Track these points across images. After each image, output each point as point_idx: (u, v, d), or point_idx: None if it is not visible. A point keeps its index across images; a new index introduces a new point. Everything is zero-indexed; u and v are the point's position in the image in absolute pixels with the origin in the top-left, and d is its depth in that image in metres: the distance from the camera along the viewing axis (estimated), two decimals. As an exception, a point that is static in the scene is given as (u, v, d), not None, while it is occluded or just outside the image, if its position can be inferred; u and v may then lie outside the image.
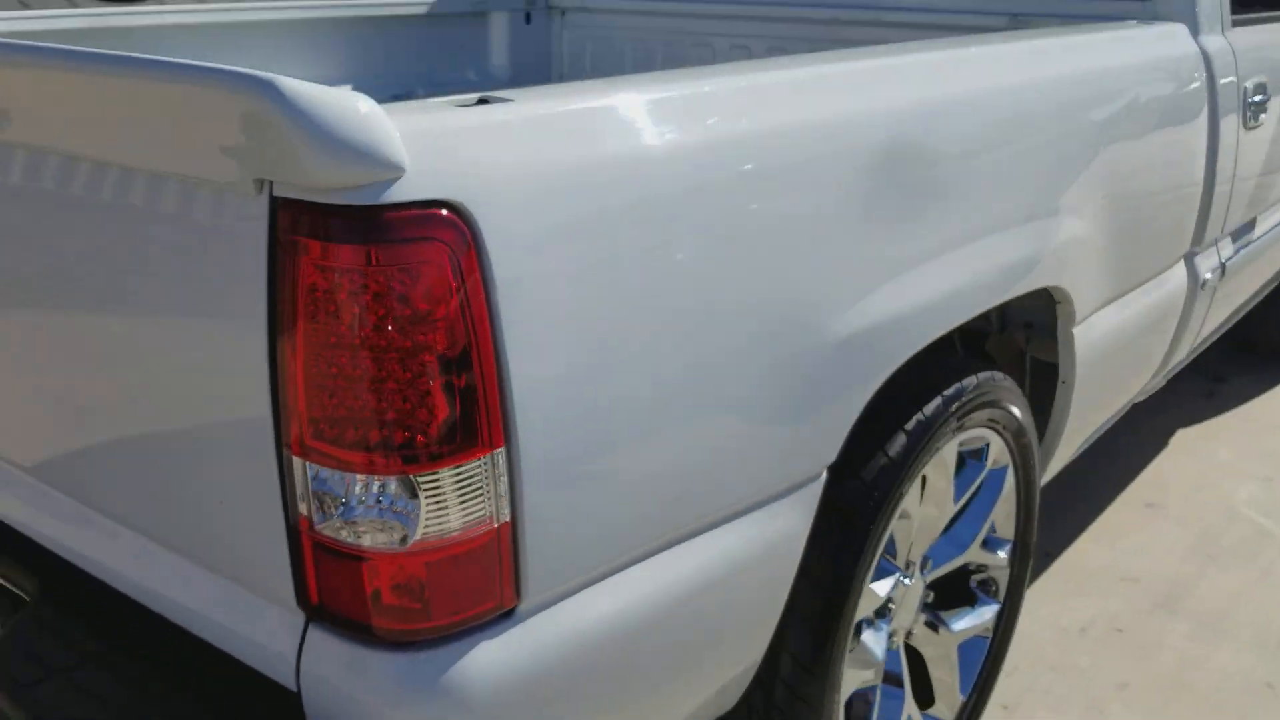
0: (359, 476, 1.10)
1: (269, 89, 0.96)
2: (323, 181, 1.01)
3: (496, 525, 1.15)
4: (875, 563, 1.80)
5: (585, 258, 1.16)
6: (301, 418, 1.09)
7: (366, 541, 1.12)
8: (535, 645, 1.23)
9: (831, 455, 1.58)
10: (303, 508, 1.13)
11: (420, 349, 1.06)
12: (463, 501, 1.12)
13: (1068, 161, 2.04)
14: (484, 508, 1.14)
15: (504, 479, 1.14)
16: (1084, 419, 2.39)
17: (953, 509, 2.03)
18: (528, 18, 3.59)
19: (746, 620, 1.54)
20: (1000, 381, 1.99)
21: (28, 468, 1.53)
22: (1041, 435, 2.34)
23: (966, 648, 2.22)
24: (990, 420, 2.01)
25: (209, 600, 1.31)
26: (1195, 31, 2.58)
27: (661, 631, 1.39)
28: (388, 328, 1.05)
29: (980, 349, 2.35)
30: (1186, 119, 2.48)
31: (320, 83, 2.85)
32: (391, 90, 3.29)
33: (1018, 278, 1.86)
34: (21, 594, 1.53)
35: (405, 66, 3.37)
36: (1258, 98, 2.83)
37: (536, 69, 3.64)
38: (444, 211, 1.05)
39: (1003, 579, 2.26)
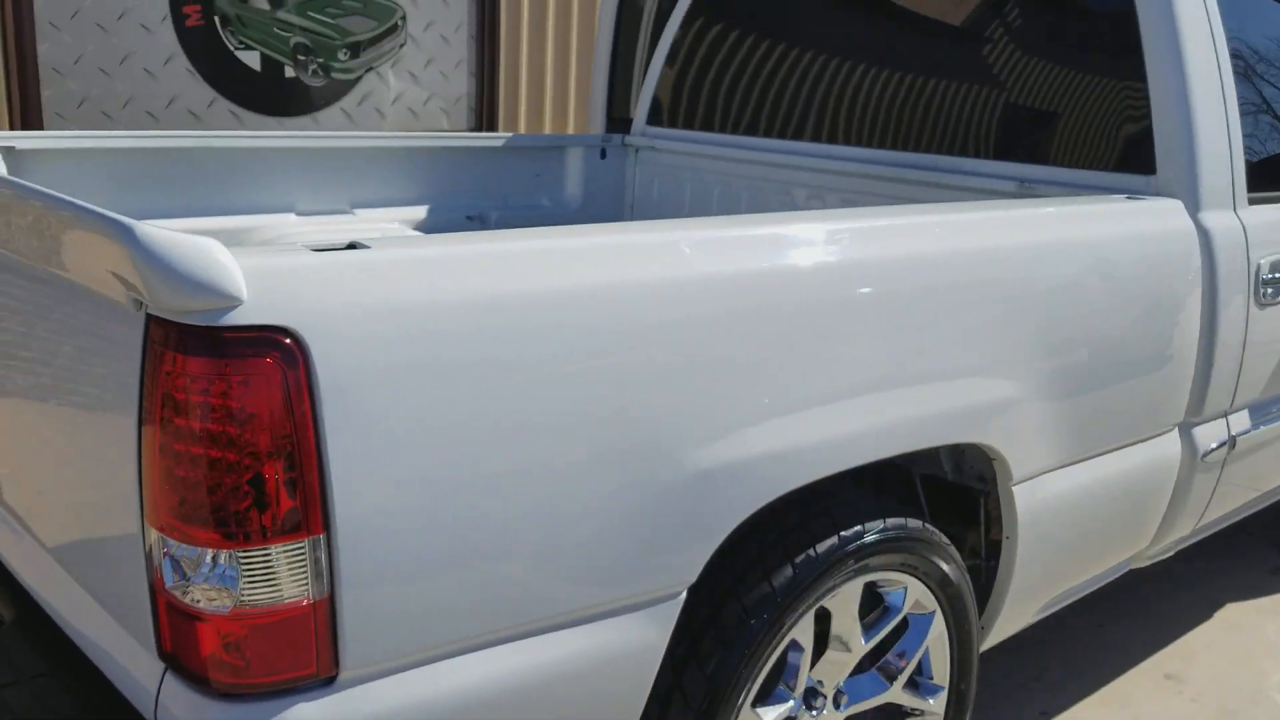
0: (197, 549, 1.33)
1: (128, 234, 1.22)
2: (177, 306, 1.26)
3: (313, 601, 1.36)
4: (755, 687, 1.91)
5: (415, 384, 1.38)
6: (155, 496, 1.33)
7: (202, 604, 1.34)
8: (351, 713, 1.42)
9: (691, 577, 1.73)
10: (157, 571, 1.37)
11: (247, 447, 1.29)
12: (280, 577, 1.34)
13: (1007, 326, 2.15)
14: (302, 585, 1.35)
15: (322, 562, 1.35)
16: (1038, 578, 2.43)
17: (862, 646, 2.11)
18: (603, 153, 3.90)
19: (591, 726, 1.68)
20: (916, 530, 2.09)
21: (10, 508, 1.84)
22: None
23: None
24: (906, 566, 2.11)
25: (113, 643, 1.56)
26: (1195, 208, 2.64)
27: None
28: (221, 428, 1.28)
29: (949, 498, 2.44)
30: (1172, 293, 2.54)
31: (398, 204, 3.21)
32: (465, 212, 3.62)
33: (922, 431, 1.98)
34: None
35: (485, 191, 3.71)
36: (1276, 275, 2.85)
37: (610, 198, 3.93)
38: (277, 335, 1.29)
39: (934, 728, 2.31)
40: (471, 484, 1.45)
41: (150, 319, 1.31)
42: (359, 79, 5.59)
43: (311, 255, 1.33)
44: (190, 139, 3.07)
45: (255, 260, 1.29)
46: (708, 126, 3.73)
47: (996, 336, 2.13)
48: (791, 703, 2.02)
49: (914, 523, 2.11)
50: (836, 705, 2.14)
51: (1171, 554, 3.03)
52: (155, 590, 1.38)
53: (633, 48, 4.42)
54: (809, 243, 1.83)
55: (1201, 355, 2.67)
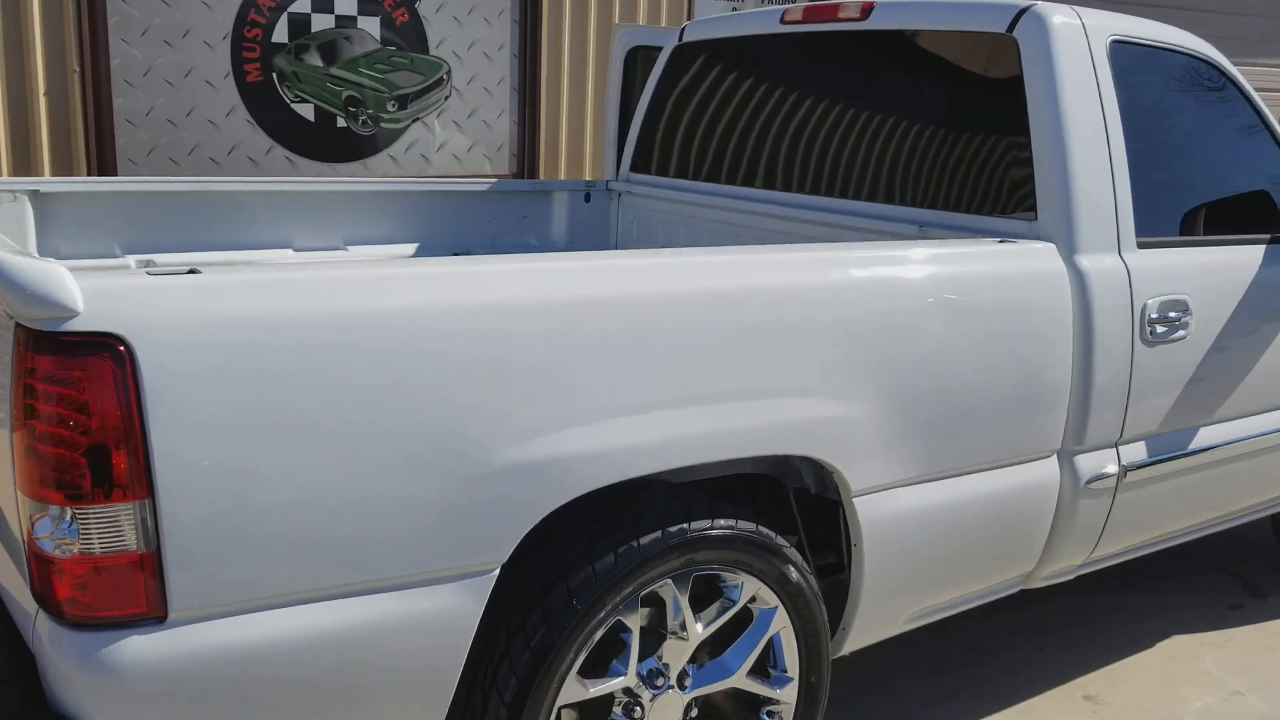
0: (51, 508, 1.70)
1: (-14, 257, 1.61)
2: (31, 315, 1.64)
3: (140, 552, 1.71)
4: (579, 660, 2.19)
5: (227, 381, 1.73)
6: (21, 466, 1.71)
7: (55, 552, 1.71)
8: (179, 647, 1.77)
9: (502, 557, 2.03)
10: (24, 527, 1.74)
11: (83, 428, 1.66)
12: (114, 532, 1.70)
13: (844, 354, 2.40)
14: (132, 538, 1.71)
15: (148, 521, 1.71)
16: (894, 585, 2.65)
17: (699, 633, 2.37)
18: (587, 197, 4.25)
19: (409, 682, 1.99)
20: (747, 531, 2.35)
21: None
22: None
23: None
24: (739, 563, 2.37)
25: (14, 586, 1.94)
26: (1071, 251, 2.85)
27: (307, 667, 1.88)
28: (63, 413, 1.65)
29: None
30: (1037, 329, 2.74)
31: (390, 241, 3.62)
32: (453, 248, 4.00)
33: (735, 442, 2.24)
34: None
35: (474, 230, 4.09)
36: (1169, 314, 3.02)
37: (593, 236, 4.27)
38: (109, 339, 1.65)
39: (789, 715, 2.55)
40: (277, 466, 1.79)
41: (16, 326, 1.70)
42: (406, 128, 6.07)
43: (144, 277, 1.70)
44: (198, 183, 3.52)
45: (94, 281, 1.67)
46: (680, 174, 4.04)
47: (830, 362, 2.38)
48: (620, 678, 2.29)
49: (746, 525, 2.37)
50: (681, 686, 2.41)
51: (1071, 577, 3.19)
52: (27, 543, 1.75)
53: (634, 102, 4.76)
54: (629, 271, 2.13)
55: (1076, 388, 2.86)
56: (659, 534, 2.24)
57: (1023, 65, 2.95)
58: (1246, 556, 4.50)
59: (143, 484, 1.69)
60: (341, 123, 5.88)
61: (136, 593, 1.73)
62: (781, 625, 2.49)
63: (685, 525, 2.27)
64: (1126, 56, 3.10)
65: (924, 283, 2.55)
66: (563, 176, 6.54)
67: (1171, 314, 3.04)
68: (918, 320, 2.53)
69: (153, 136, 5.39)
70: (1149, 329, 2.99)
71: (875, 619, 2.69)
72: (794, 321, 2.32)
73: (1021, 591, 3.82)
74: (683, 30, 4.10)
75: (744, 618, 2.47)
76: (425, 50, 6.02)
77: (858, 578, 2.58)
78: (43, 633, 1.78)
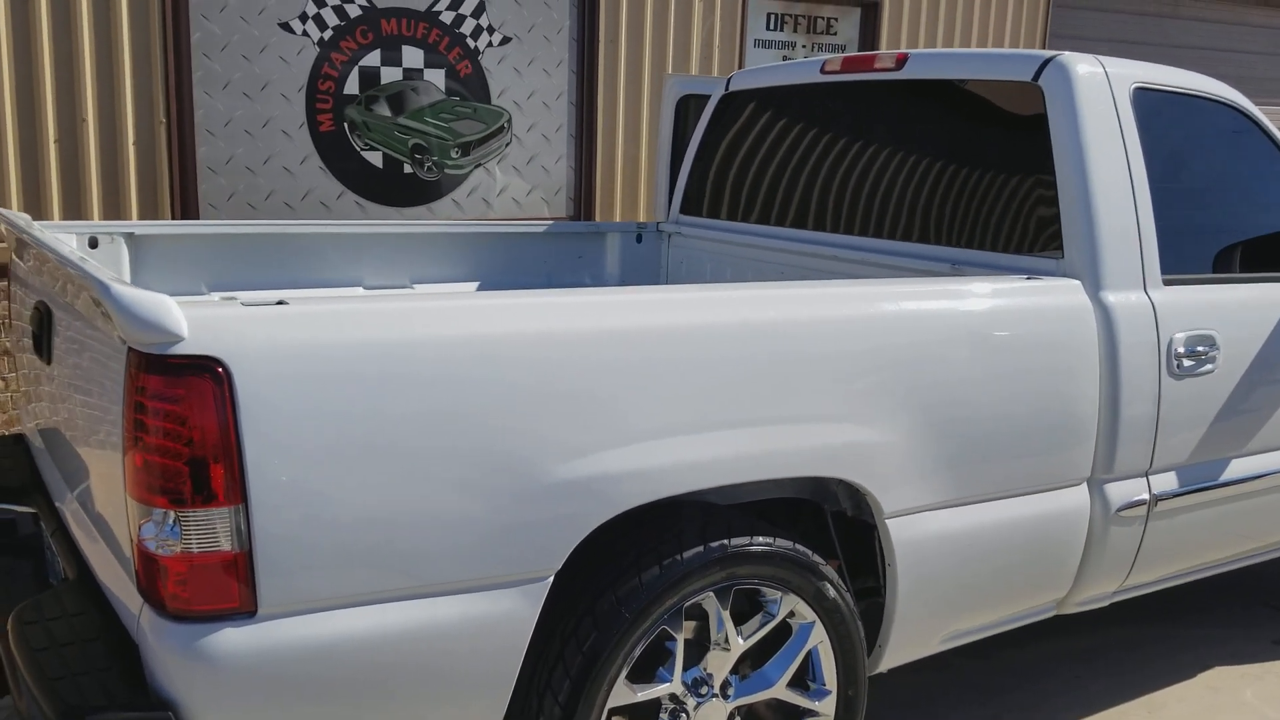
0: (157, 512, 1.91)
1: (106, 291, 1.84)
2: (140, 340, 1.87)
3: (234, 553, 1.92)
4: (628, 666, 2.36)
5: (313, 401, 1.94)
6: (131, 474, 1.93)
7: (159, 552, 1.93)
8: (266, 640, 1.97)
9: (556, 565, 2.21)
10: (133, 529, 1.96)
11: (187, 441, 1.87)
12: (212, 534, 1.91)
13: (879, 382, 2.56)
14: (228, 540, 1.92)
15: (241, 525, 1.91)
16: (927, 605, 2.78)
17: (740, 644, 2.53)
18: (639, 238, 4.46)
19: (470, 680, 2.17)
20: (784, 550, 2.51)
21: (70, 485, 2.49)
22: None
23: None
24: (777, 579, 2.52)
25: (120, 588, 2.16)
26: (1096, 288, 2.99)
27: (379, 662, 2.07)
28: (169, 427, 1.87)
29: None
30: (1063, 361, 2.88)
31: (455, 279, 3.88)
32: (512, 286, 4.23)
33: (772, 463, 2.41)
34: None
35: (532, 269, 4.32)
36: (1193, 349, 3.14)
37: (645, 275, 4.48)
38: (210, 362, 1.87)
39: (827, 729, 2.69)
40: (354, 479, 1.99)
41: (128, 350, 1.92)
42: (469, 174, 6.34)
43: (240, 308, 1.93)
44: (275, 226, 3.78)
45: (197, 310, 1.89)
46: (729, 215, 4.24)
47: (863, 390, 2.55)
48: (666, 684, 2.45)
49: (783, 542, 2.53)
50: (724, 695, 2.56)
51: (1106, 604, 3.29)
52: (134, 543, 1.97)
53: (684, 147, 4.98)
54: (674, 304, 2.32)
55: (1104, 418, 2.99)
56: (700, 548, 2.41)
57: (1048, 111, 3.11)
58: (1276, 580, 4.54)
59: (237, 492, 1.91)
60: (408, 169, 6.17)
61: (230, 589, 1.94)
62: (819, 640, 2.63)
63: (726, 541, 2.43)
64: (1150, 102, 3.25)
65: (954, 316, 2.71)
66: (617, 219, 6.77)
67: (1199, 348, 3.16)
68: (948, 352, 2.69)
69: (232, 183, 5.71)
70: (1176, 362, 3.11)
71: (910, 638, 2.82)
72: (828, 351, 2.49)
73: (1061, 620, 3.93)
74: (729, 80, 4.31)
75: (784, 632, 2.62)
76: (487, 100, 6.31)
77: (891, 596, 2.73)
78: (146, 625, 1.99)
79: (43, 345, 2.59)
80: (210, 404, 1.88)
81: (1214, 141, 3.45)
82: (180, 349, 1.88)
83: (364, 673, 2.06)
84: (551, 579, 2.23)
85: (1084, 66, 3.13)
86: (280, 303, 2.00)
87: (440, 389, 2.05)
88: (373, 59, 5.96)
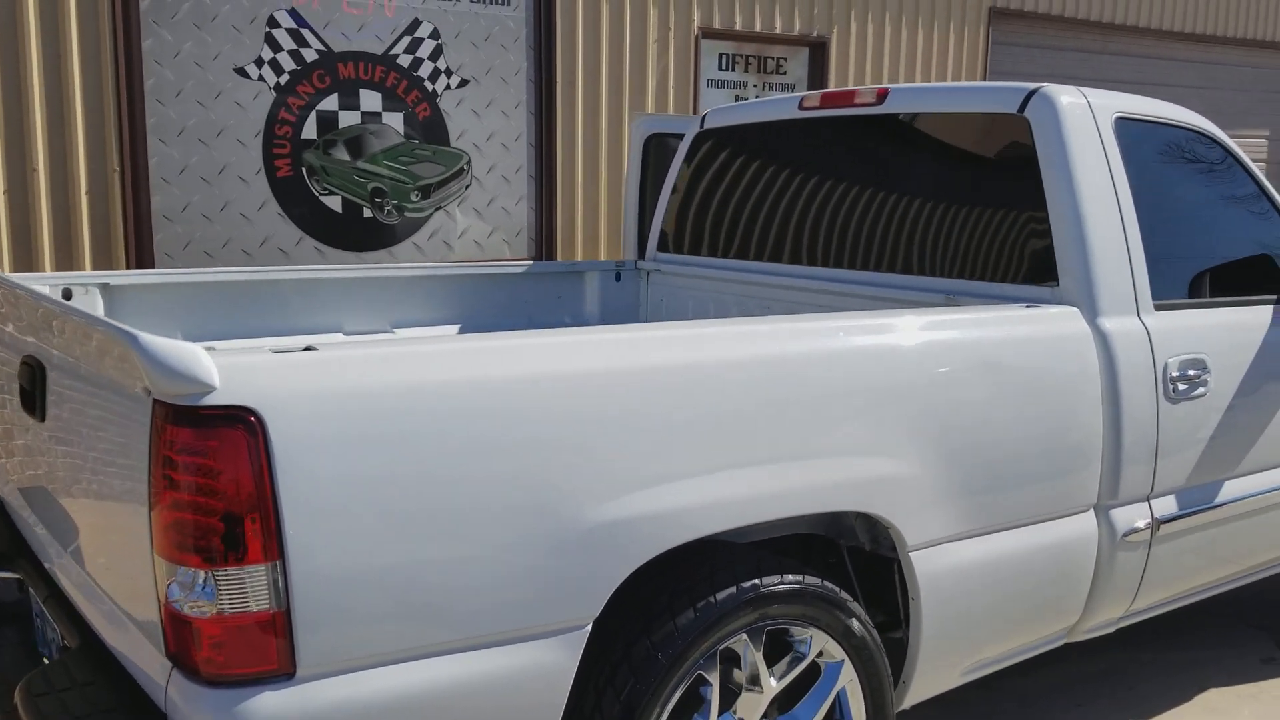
0: (188, 570, 1.82)
1: (135, 341, 1.75)
2: (169, 391, 1.78)
3: (273, 612, 1.83)
4: (666, 711, 2.30)
5: (348, 448, 1.87)
6: (159, 531, 1.83)
7: (192, 612, 1.83)
8: (306, 702, 1.87)
9: (595, 612, 2.14)
10: (161, 590, 1.86)
11: (220, 494, 1.79)
12: (247, 592, 1.82)
13: (896, 415, 2.55)
14: (265, 599, 1.83)
15: (279, 582, 1.83)
16: (950, 637, 2.76)
17: (772, 686, 2.48)
18: (618, 276, 4.43)
19: (512, 730, 2.10)
20: (813, 587, 2.47)
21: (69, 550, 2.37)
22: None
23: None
24: (807, 617, 2.48)
25: (141, 654, 2.05)
26: (1094, 314, 3.02)
27: (427, 718, 1.98)
28: (202, 480, 1.78)
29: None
30: (1067, 387, 2.90)
31: (434, 323, 3.80)
32: (493, 328, 4.16)
33: (800, 500, 2.38)
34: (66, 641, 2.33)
35: (513, 310, 4.25)
36: (1187, 373, 3.18)
37: (625, 314, 4.44)
38: (242, 412, 1.79)
39: (857, 768, 2.64)
40: (396, 527, 1.92)
41: (154, 402, 1.83)
42: (429, 216, 6.28)
43: (271, 355, 1.85)
44: (251, 273, 3.68)
45: (228, 358, 1.81)
46: (709, 252, 4.23)
47: (884, 422, 2.53)
48: (704, 730, 2.39)
49: (812, 580, 2.49)
50: (757, 740, 2.51)
51: (1112, 630, 3.29)
52: (162, 604, 1.87)
53: (658, 184, 4.97)
54: (695, 341, 2.29)
55: (1108, 443, 3.00)
56: (734, 589, 2.36)
57: (1036, 143, 3.14)
58: (1272, 612, 4.60)
59: (274, 547, 1.82)
60: (368, 213, 6.09)
61: (269, 650, 1.84)
62: (848, 679, 2.59)
63: (758, 580, 2.39)
64: (1131, 132, 3.31)
65: (965, 346, 2.71)
66: (579, 258, 6.74)
67: (1191, 372, 3.20)
68: (963, 381, 2.68)
69: (188, 231, 5.58)
70: (1171, 386, 3.14)
71: (934, 671, 2.79)
72: (852, 384, 2.48)
73: (1060, 649, 3.93)
74: (703, 118, 4.32)
75: (809, 673, 2.58)
76: (446, 142, 6.26)
77: (916, 630, 2.70)
78: (176, 693, 1.89)
79: (35, 402, 2.47)
80: (244, 455, 1.79)
81: (1190, 169, 3.52)
82: (212, 399, 1.79)
83: (396, 732, 1.97)
84: (590, 627, 2.16)
85: (1067, 98, 3.18)
86: (308, 348, 1.93)
87: (475, 432, 1.99)
88: (330, 103, 5.88)
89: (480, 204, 6.43)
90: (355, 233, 6.07)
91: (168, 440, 1.81)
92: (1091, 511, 3.04)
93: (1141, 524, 3.14)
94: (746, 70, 7.43)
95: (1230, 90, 10.90)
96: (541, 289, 4.30)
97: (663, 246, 4.44)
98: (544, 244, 6.64)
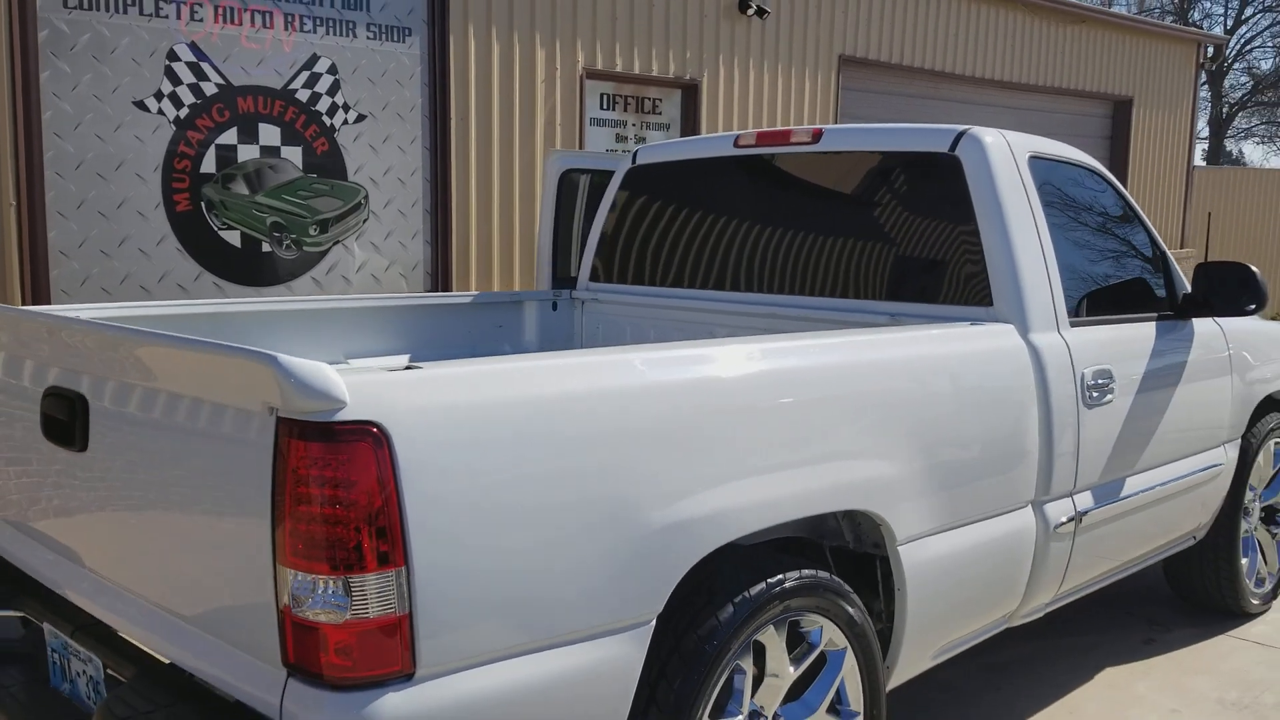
0: (317, 578, 1.91)
1: (273, 361, 1.85)
2: (302, 409, 1.88)
3: (398, 615, 1.94)
4: (711, 701, 2.49)
5: (464, 458, 2.00)
6: (286, 542, 1.92)
7: (319, 619, 1.92)
8: (424, 702, 1.98)
9: (658, 608, 2.32)
10: (285, 599, 1.94)
11: (351, 505, 1.89)
12: (376, 598, 1.92)
13: (885, 423, 2.83)
14: (390, 604, 1.94)
15: (404, 587, 1.94)
16: (928, 623, 3.05)
17: (791, 674, 2.70)
18: (554, 305, 4.60)
19: (593, 720, 2.25)
20: (824, 579, 2.72)
21: (127, 586, 2.39)
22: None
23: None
24: (819, 608, 2.72)
25: (237, 669, 2.11)
26: (1025, 329, 3.39)
27: (519, 715, 2.12)
28: (333, 492, 1.89)
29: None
30: (1008, 395, 3.25)
31: (388, 351, 3.87)
32: (439, 356, 4.26)
33: (817, 500, 2.63)
34: (120, 676, 2.34)
35: (456, 338, 4.37)
36: (1098, 382, 3.59)
37: (561, 340, 4.61)
38: (370, 426, 1.91)
39: (855, 748, 2.89)
40: (498, 533, 2.06)
41: (279, 419, 1.93)
42: (328, 251, 6.28)
43: (390, 373, 1.97)
44: (203, 307, 3.69)
45: (353, 377, 1.92)
46: (639, 281, 4.45)
47: (875, 430, 2.81)
48: (739, 717, 2.59)
49: (823, 574, 2.73)
50: (774, 726, 2.72)
51: (1041, 615, 3.67)
52: (284, 614, 1.95)
53: (570, 217, 5.17)
54: (721, 360, 2.51)
55: (1042, 445, 3.37)
56: (764, 585, 2.57)
57: (967, 178, 3.51)
58: (1144, 600, 5.12)
59: (400, 553, 1.93)
60: (267, 248, 6.05)
61: (394, 653, 1.95)
62: (850, 665, 2.84)
63: (783, 576, 2.61)
64: (1040, 168, 3.73)
65: (935, 359, 3.03)
66: (473, 290, 6.85)
67: (1102, 380, 3.62)
68: (932, 390, 2.99)
69: (85, 267, 5.44)
70: (1088, 394, 3.55)
71: (914, 655, 3.07)
72: (856, 393, 2.75)
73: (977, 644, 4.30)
74: (635, 154, 4.55)
75: (815, 663, 2.81)
76: (344, 177, 6.29)
77: (901, 617, 2.97)
78: (295, 700, 1.97)
79: (73, 433, 2.47)
80: (373, 467, 1.91)
81: (1085, 201, 3.98)
82: (343, 415, 1.90)
83: (498, 723, 2.11)
84: (655, 622, 2.34)
85: (991, 138, 3.57)
86: (409, 367, 2.06)
87: (567, 441, 2.15)
88: (229, 137, 5.84)
89: (378, 238, 6.47)
90: (254, 267, 6.02)
91: (298, 455, 1.90)
92: (1030, 507, 3.39)
93: (1067, 517, 3.52)
94: (625, 110, 7.73)
95: (1039, 131, 11.90)
96: (484, 318, 4.43)
97: (594, 277, 4.64)
98: (439, 278, 6.72)
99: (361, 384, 1.94)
